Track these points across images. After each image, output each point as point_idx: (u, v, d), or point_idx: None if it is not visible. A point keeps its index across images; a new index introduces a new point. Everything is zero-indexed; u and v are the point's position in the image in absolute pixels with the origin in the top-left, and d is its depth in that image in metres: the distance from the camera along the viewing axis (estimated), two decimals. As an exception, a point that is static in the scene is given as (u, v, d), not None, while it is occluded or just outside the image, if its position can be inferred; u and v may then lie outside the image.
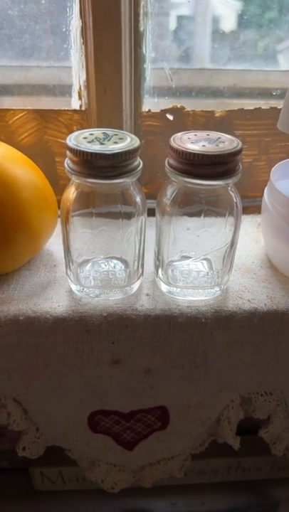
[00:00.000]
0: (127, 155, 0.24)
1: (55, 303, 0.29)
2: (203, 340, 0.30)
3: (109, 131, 0.26)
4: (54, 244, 0.35)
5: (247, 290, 0.31)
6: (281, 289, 0.31)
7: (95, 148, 0.24)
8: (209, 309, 0.29)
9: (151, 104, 0.39)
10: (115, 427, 0.35)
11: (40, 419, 0.34)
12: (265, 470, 0.54)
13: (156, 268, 0.31)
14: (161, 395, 0.33)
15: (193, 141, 0.26)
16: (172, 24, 0.40)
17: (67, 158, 0.25)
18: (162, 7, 0.39)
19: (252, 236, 0.38)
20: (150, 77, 0.38)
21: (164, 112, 0.39)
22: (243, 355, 0.31)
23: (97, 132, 0.26)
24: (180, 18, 0.40)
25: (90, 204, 0.28)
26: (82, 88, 0.37)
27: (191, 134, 0.27)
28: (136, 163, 0.25)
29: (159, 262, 0.30)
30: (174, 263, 0.30)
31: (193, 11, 0.41)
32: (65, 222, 0.27)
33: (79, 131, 0.26)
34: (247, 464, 0.53)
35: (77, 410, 0.34)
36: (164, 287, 0.30)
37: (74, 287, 0.30)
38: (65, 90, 0.39)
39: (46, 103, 0.40)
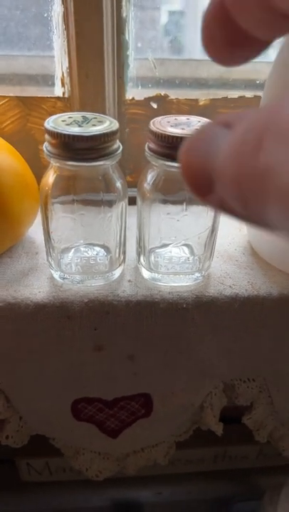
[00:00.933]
0: (105, 137, 0.24)
1: (35, 289, 0.29)
2: (185, 325, 0.30)
3: (89, 115, 0.26)
4: (37, 232, 0.35)
5: (229, 276, 0.31)
6: (262, 275, 0.31)
7: (74, 130, 0.24)
8: (190, 295, 0.29)
9: (135, 93, 0.39)
10: (99, 415, 0.35)
11: (23, 408, 0.34)
12: (251, 458, 0.54)
13: (138, 254, 0.31)
14: (145, 382, 0.33)
15: (173, 125, 0.26)
16: (163, 18, 0.40)
17: (45, 142, 0.25)
18: (154, 1, 0.39)
19: (235, 224, 0.38)
20: (134, 65, 0.38)
21: (148, 100, 0.39)
22: (225, 341, 0.31)
23: (76, 115, 0.26)
24: (171, 13, 0.40)
25: (71, 190, 0.28)
26: (64, 75, 0.37)
27: (171, 118, 0.27)
28: (115, 146, 0.25)
29: (140, 248, 0.30)
30: (156, 249, 0.30)
31: (184, 6, 0.41)
32: (45, 208, 0.27)
33: (58, 115, 0.26)
34: (233, 452, 0.53)
35: (60, 398, 0.33)
36: (145, 273, 0.30)
37: (55, 273, 0.30)
38: (49, 79, 0.39)
39: (30, 92, 0.40)
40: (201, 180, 0.10)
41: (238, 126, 0.09)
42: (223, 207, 0.10)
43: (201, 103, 0.39)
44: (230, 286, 0.30)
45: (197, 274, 0.30)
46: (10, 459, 0.51)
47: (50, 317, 0.29)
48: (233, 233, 0.36)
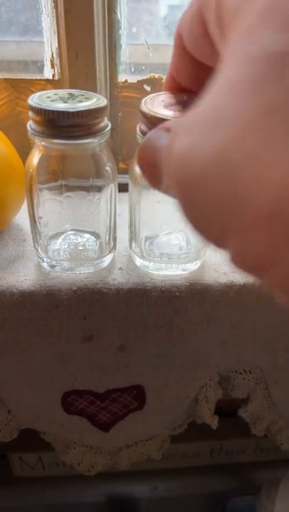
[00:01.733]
0: (92, 114, 0.22)
1: (22, 277, 0.28)
2: (178, 315, 0.29)
3: (76, 92, 0.25)
4: (24, 218, 0.33)
5: (224, 263, 0.30)
6: (259, 262, 0.30)
7: (59, 106, 0.22)
8: (184, 282, 0.28)
9: (128, 77, 0.37)
10: (90, 408, 0.34)
11: (11, 401, 0.33)
12: (248, 453, 0.53)
13: (130, 241, 0.29)
14: (137, 374, 0.32)
15: (167, 105, 0.24)
16: (163, 11, 0.39)
17: (29, 120, 0.24)
18: None
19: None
20: (128, 50, 0.36)
21: (142, 82, 0.37)
22: (220, 331, 0.30)
23: (63, 92, 0.24)
24: (171, 7, 0.39)
25: (58, 174, 0.26)
26: (54, 56, 0.36)
27: (164, 96, 0.25)
28: (103, 123, 0.24)
29: (132, 234, 0.29)
30: (149, 237, 0.29)
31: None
32: (30, 190, 0.26)
33: (43, 91, 0.24)
34: (230, 446, 0.52)
35: (49, 390, 0.32)
36: (138, 261, 0.29)
37: (42, 261, 0.29)
38: (39, 64, 0.37)
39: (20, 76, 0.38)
40: (153, 172, 0.12)
41: (173, 129, 0.12)
42: (171, 194, 0.12)
43: (196, 86, 0.37)
44: (225, 274, 0.29)
45: (192, 263, 0.29)
46: (2, 453, 0.50)
47: (37, 306, 0.28)
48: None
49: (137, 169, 0.26)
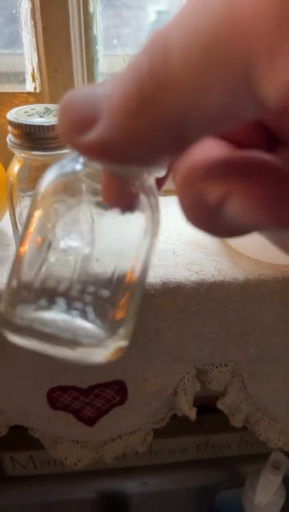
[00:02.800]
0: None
1: (6, 278, 0.30)
2: (153, 311, 0.31)
3: (51, 106, 0.27)
4: (8, 224, 0.35)
5: (196, 263, 0.32)
6: (229, 261, 0.32)
7: (34, 120, 0.24)
8: (158, 281, 0.30)
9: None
10: (75, 403, 0.35)
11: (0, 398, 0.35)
12: (233, 447, 0.55)
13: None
14: (118, 369, 0.34)
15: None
16: (151, 17, 0.41)
17: (9, 134, 0.26)
18: (140, 1, 0.40)
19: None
20: (105, 61, 0.39)
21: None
22: (194, 326, 0.32)
23: (39, 107, 0.27)
24: (159, 12, 0.41)
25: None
26: (35, 70, 0.38)
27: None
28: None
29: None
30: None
31: (170, 6, 0.42)
32: (11, 198, 0.28)
33: (21, 107, 0.26)
34: (215, 441, 0.54)
35: (35, 387, 0.34)
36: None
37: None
38: (20, 77, 0.39)
39: (1, 89, 0.40)
40: (84, 116, 0.09)
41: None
42: (101, 144, 0.09)
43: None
44: (196, 272, 0.31)
45: None
46: (-6, 453, 0.51)
47: (21, 306, 0.29)
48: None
49: None
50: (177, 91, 0.08)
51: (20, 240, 0.14)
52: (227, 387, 0.36)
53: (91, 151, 0.10)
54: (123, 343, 0.13)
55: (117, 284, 0.13)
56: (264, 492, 0.45)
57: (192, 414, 0.36)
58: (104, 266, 0.13)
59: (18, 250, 0.14)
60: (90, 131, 0.10)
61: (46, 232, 0.13)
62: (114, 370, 0.34)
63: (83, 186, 0.14)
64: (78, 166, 0.13)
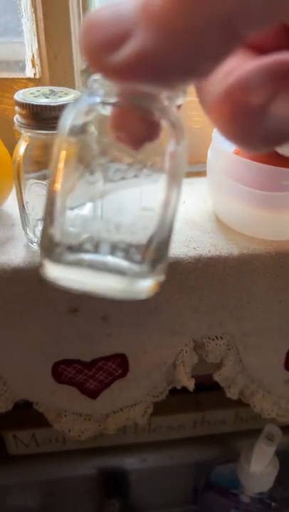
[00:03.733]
0: (70, 107, 0.26)
1: (12, 255, 0.31)
2: (153, 286, 0.32)
3: (56, 89, 0.28)
4: (13, 207, 0.36)
5: (193, 240, 0.33)
6: (225, 238, 0.34)
7: (41, 101, 0.26)
8: (158, 257, 0.32)
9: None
10: (78, 377, 0.37)
11: (5, 372, 0.36)
12: (228, 423, 0.57)
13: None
14: (119, 342, 0.35)
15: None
16: None
17: (16, 114, 0.27)
18: None
19: (203, 196, 0.40)
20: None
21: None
22: (192, 300, 0.34)
23: (44, 89, 0.28)
24: None
25: (43, 165, 0.29)
26: (35, 56, 0.39)
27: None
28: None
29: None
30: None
31: None
32: (17, 178, 0.29)
33: (27, 89, 0.28)
34: (211, 417, 0.56)
35: (40, 361, 0.36)
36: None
37: (30, 241, 0.32)
38: (21, 64, 0.40)
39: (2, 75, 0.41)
40: (113, 33, 0.09)
41: None
42: (137, 58, 0.08)
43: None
44: (194, 248, 0.33)
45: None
46: (-3, 433, 0.53)
47: (28, 281, 0.31)
48: (200, 204, 0.39)
49: None
50: None
51: (52, 185, 0.14)
52: (223, 360, 0.38)
53: (127, 71, 0.09)
54: (161, 277, 0.15)
55: (153, 231, 0.14)
56: (258, 462, 0.47)
57: (190, 384, 0.38)
58: (141, 218, 0.15)
59: (51, 196, 0.15)
60: (123, 47, 0.09)
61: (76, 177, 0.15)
62: (115, 342, 0.35)
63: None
64: (97, 100, 0.13)
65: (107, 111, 0.13)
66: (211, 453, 0.58)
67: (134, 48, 0.08)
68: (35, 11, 0.36)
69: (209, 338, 0.37)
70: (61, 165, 0.14)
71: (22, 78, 0.39)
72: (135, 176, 0.15)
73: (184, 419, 0.55)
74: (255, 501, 0.53)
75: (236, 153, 0.33)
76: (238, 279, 0.33)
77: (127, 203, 0.15)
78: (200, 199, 0.39)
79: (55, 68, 0.38)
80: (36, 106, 0.25)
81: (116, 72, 0.09)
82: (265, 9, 0.08)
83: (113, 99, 0.13)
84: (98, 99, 0.13)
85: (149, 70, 0.09)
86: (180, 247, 0.33)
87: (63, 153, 0.14)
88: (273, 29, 0.11)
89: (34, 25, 0.37)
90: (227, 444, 0.58)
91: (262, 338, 0.38)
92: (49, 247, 0.15)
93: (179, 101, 0.13)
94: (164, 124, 0.13)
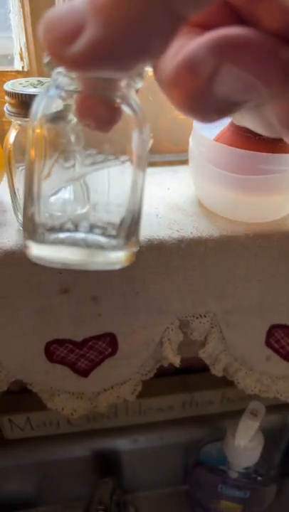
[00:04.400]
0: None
1: (5, 239, 0.33)
2: (139, 267, 0.34)
3: (44, 79, 0.30)
4: (4, 194, 0.38)
5: (176, 223, 0.35)
6: (206, 221, 0.36)
7: (30, 90, 0.27)
8: (143, 239, 0.34)
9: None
10: (70, 356, 0.39)
11: (0, 353, 0.38)
12: (216, 403, 0.60)
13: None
14: (109, 322, 0.37)
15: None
16: None
17: (6, 104, 0.29)
18: None
19: (186, 183, 0.42)
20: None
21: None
22: (176, 279, 0.36)
23: (32, 80, 0.29)
24: None
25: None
26: (23, 50, 0.40)
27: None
28: (67, 105, 0.29)
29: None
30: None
31: None
32: (8, 164, 0.31)
33: (16, 79, 0.29)
34: (200, 398, 0.59)
35: (33, 341, 0.37)
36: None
37: (22, 225, 0.33)
38: (10, 58, 0.42)
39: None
40: (68, 27, 0.09)
41: None
42: (93, 51, 0.09)
43: (151, 74, 0.43)
44: (177, 231, 0.35)
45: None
46: (-7, 417, 0.55)
47: (19, 263, 0.32)
48: (183, 189, 0.41)
49: None
50: None
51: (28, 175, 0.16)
52: (207, 337, 0.41)
53: (84, 61, 0.10)
54: (135, 248, 0.18)
55: (125, 209, 0.17)
56: (244, 437, 0.50)
57: (176, 361, 0.40)
58: (114, 198, 0.17)
59: (28, 185, 0.17)
60: (77, 40, 0.09)
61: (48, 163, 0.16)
62: (105, 322, 0.37)
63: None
64: (60, 90, 0.14)
65: (72, 100, 0.14)
66: (200, 433, 0.60)
67: (87, 39, 0.09)
68: (22, 6, 0.37)
69: (193, 316, 0.39)
70: (33, 152, 0.16)
71: (11, 71, 0.41)
72: (105, 161, 0.16)
73: (173, 400, 0.58)
74: (242, 476, 0.55)
75: (216, 140, 0.35)
76: (219, 259, 0.35)
77: (101, 185, 0.17)
78: (184, 185, 0.41)
79: (43, 61, 0.39)
80: (25, 95, 0.27)
81: (74, 64, 0.10)
82: None
83: (75, 89, 0.14)
84: (60, 90, 0.14)
85: (102, 57, 0.09)
86: (164, 230, 0.35)
87: (34, 140, 0.16)
88: (216, 7, 0.12)
89: (22, 20, 0.38)
90: (215, 424, 0.61)
91: (243, 316, 0.40)
92: (31, 229, 0.17)
93: (138, 85, 0.15)
94: (125, 110, 0.15)
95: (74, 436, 0.58)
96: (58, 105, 0.15)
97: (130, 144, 0.15)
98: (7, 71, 0.41)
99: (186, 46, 0.10)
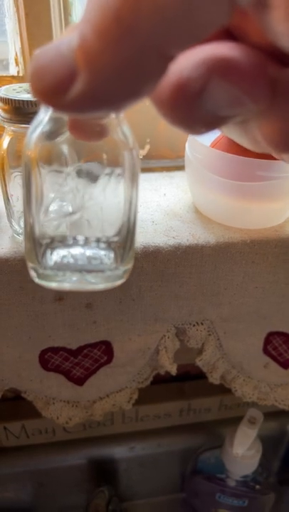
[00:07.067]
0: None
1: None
2: (135, 273, 0.34)
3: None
4: (-2, 200, 0.38)
5: (173, 230, 0.35)
6: (203, 228, 0.36)
7: (23, 96, 0.27)
8: (138, 246, 0.33)
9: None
10: (65, 364, 0.38)
11: (-6, 361, 0.37)
12: (213, 410, 0.59)
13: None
14: (104, 330, 0.37)
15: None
16: None
17: (-1, 110, 0.28)
18: None
19: (183, 189, 0.42)
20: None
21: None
22: (172, 287, 0.35)
23: (26, 85, 0.29)
24: None
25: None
26: (18, 55, 0.40)
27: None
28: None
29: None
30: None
31: None
32: (2, 171, 0.30)
33: (9, 85, 0.29)
34: (197, 405, 0.58)
35: (28, 349, 0.37)
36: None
37: (15, 232, 0.33)
38: (5, 63, 0.42)
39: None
40: (60, 76, 0.09)
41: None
42: (91, 94, 0.09)
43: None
44: (173, 237, 0.34)
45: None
46: (-13, 425, 0.54)
47: (14, 270, 0.32)
48: (180, 196, 0.40)
49: None
50: (158, 4, 0.08)
51: (26, 206, 0.17)
52: (204, 345, 0.40)
53: (76, 107, 0.10)
54: (130, 266, 0.18)
55: (118, 227, 0.17)
56: (242, 445, 0.49)
57: (173, 369, 0.39)
58: (108, 215, 0.17)
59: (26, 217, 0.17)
60: (70, 89, 0.09)
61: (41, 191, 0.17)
62: (100, 330, 0.37)
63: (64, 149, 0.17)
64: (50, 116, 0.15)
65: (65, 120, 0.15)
66: (197, 440, 0.59)
67: (80, 89, 0.09)
68: (17, 11, 0.37)
69: (190, 323, 0.38)
70: (29, 174, 0.16)
71: (6, 76, 0.40)
72: (99, 178, 0.17)
73: (170, 407, 0.57)
74: (240, 484, 0.54)
75: (212, 146, 0.35)
76: (215, 266, 0.35)
77: (95, 202, 0.17)
78: (180, 191, 0.41)
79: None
80: (18, 101, 0.26)
81: (66, 110, 0.10)
82: (184, 31, 0.09)
83: (65, 116, 0.14)
84: (50, 117, 0.15)
85: (96, 104, 0.10)
86: (160, 237, 0.34)
87: (32, 163, 0.16)
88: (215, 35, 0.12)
89: (17, 25, 0.38)
90: (212, 431, 0.60)
91: (240, 323, 0.39)
92: (32, 249, 0.17)
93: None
94: (115, 137, 0.15)
95: (70, 444, 0.57)
96: (50, 126, 0.15)
97: (123, 165, 0.16)
98: (2, 76, 0.40)
99: (175, 61, 0.10)
